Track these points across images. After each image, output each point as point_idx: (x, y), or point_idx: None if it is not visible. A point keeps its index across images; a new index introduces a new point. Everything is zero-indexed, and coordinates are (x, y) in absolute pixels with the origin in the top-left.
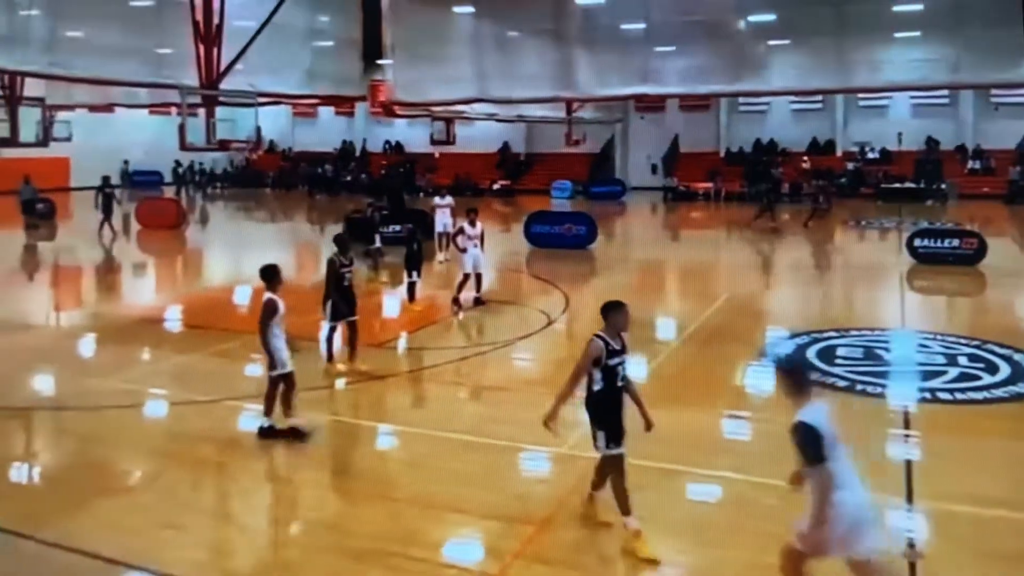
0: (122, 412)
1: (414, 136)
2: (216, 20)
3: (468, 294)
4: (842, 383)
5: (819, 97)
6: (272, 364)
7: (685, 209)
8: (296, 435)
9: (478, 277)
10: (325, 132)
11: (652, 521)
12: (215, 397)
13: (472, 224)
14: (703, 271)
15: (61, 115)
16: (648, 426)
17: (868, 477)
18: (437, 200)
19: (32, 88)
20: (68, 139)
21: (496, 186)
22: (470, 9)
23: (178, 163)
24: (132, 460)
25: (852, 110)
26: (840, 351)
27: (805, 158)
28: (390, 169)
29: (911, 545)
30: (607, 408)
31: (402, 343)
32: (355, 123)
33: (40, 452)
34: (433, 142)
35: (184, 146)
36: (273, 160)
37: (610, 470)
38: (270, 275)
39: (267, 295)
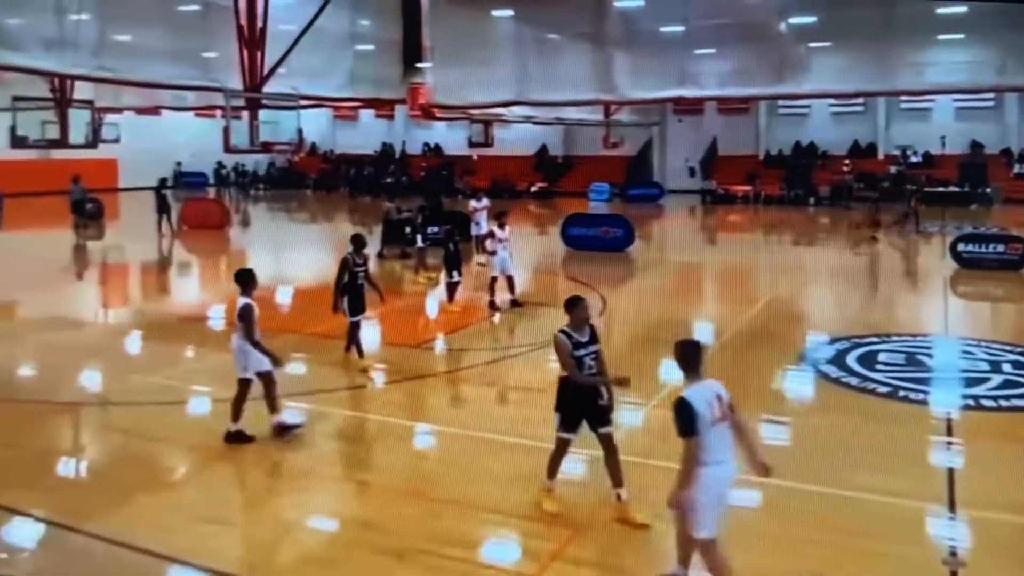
0: (165, 408)
1: (453, 138)
2: (260, 24)
3: (504, 296)
4: (883, 389)
5: (860, 99)
6: (275, 360)
7: (724, 212)
8: (283, 431)
9: (509, 279)
10: (365, 134)
11: None
12: (254, 395)
13: (501, 227)
14: (742, 274)
15: (109, 117)
16: (610, 404)
17: (910, 484)
18: (474, 203)
19: (82, 91)
20: (116, 141)
21: (533, 188)
22: (509, 12)
23: (220, 164)
24: (174, 456)
25: (894, 113)
26: (882, 356)
27: (846, 161)
28: (430, 171)
29: (953, 553)
30: (569, 395)
31: (440, 344)
32: (395, 125)
33: (87, 447)
34: (471, 144)
35: (228, 148)
36: (314, 162)
37: (559, 451)
38: (245, 279)
39: (244, 300)
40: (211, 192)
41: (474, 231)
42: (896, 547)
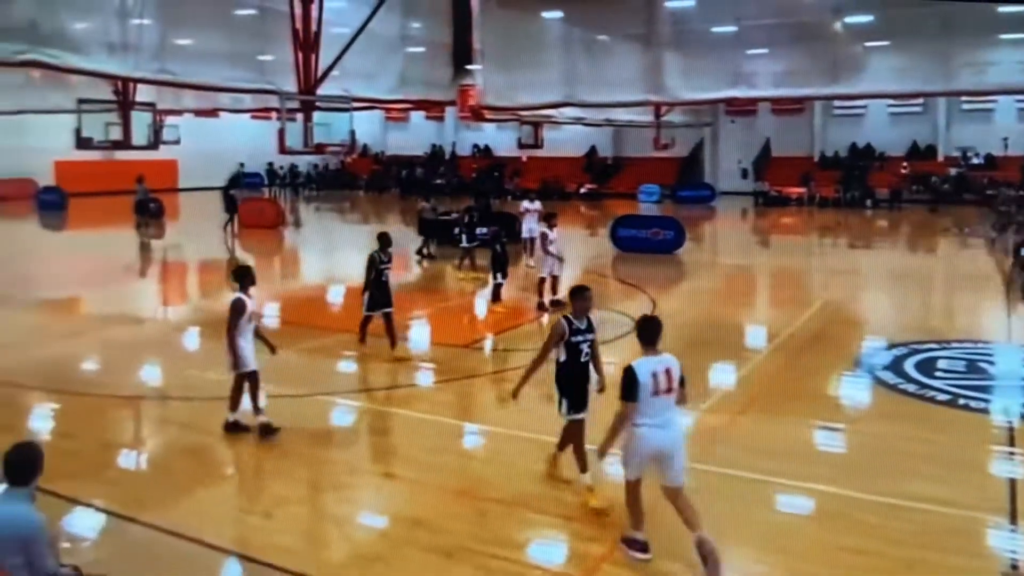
0: (220, 404)
1: (502, 140)
2: (314, 28)
3: (548, 296)
4: (942, 396)
5: (919, 100)
6: (235, 363)
7: (777, 214)
8: (267, 432)
9: (555, 279)
10: (416, 136)
11: (737, 531)
12: (307, 392)
13: (551, 228)
14: (796, 277)
15: (170, 119)
16: (601, 387)
17: (969, 494)
18: (526, 204)
19: (144, 94)
20: (176, 142)
21: (583, 190)
22: (559, 14)
23: (271, 164)
24: (228, 450)
25: (955, 113)
26: (941, 363)
27: (904, 163)
28: (481, 172)
29: (1014, 566)
30: (569, 379)
31: (488, 344)
32: (445, 127)
33: (145, 439)
34: (521, 146)
35: (283, 149)
36: (366, 163)
37: (571, 434)
38: (242, 276)
39: (236, 295)
40: (265, 192)
41: (524, 233)
42: (953, 558)
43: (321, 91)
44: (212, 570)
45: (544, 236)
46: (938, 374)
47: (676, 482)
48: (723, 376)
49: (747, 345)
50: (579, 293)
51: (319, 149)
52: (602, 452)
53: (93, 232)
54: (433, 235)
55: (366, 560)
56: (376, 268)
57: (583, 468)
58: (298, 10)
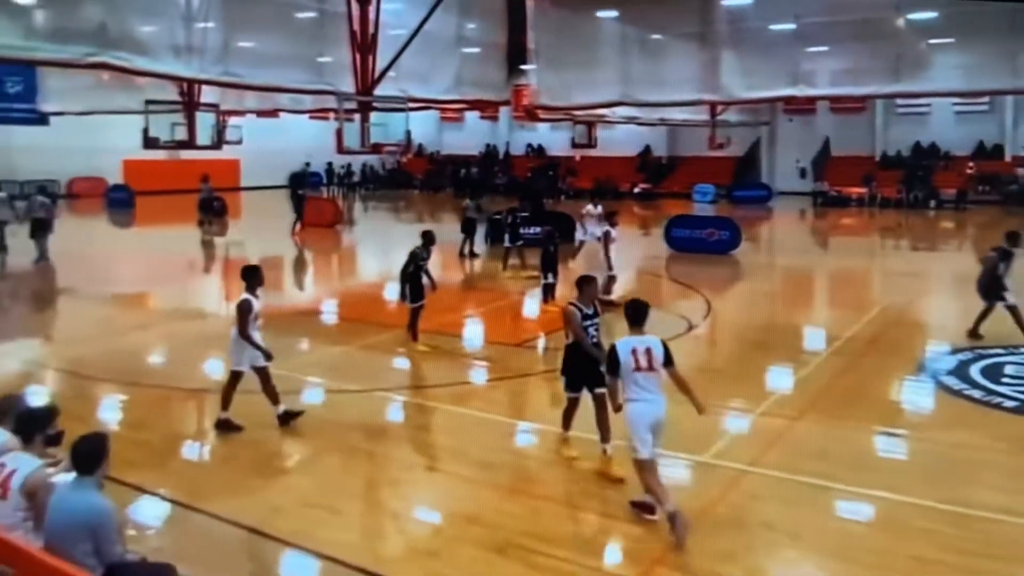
0: (281, 397)
1: (555, 139)
2: (372, 30)
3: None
4: (1010, 403)
5: (986, 98)
6: (267, 355)
7: (836, 215)
8: (288, 419)
9: (610, 280)
10: (470, 135)
11: (796, 536)
12: (365, 387)
13: (613, 227)
14: (857, 280)
15: (233, 120)
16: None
17: None
18: (589, 208)
19: (208, 95)
20: (239, 142)
21: (636, 189)
22: (614, 13)
23: (330, 164)
24: (286, 443)
25: (1023, 112)
26: (1008, 369)
27: (970, 163)
28: (536, 172)
29: None
30: (573, 360)
31: (541, 343)
32: (499, 127)
33: (208, 431)
34: (574, 145)
35: (341, 149)
36: (421, 163)
37: (569, 408)
38: (249, 276)
39: (245, 295)
40: (324, 192)
41: (579, 235)
42: (1018, 569)
43: (378, 92)
44: (271, 561)
45: (607, 235)
46: (1005, 380)
47: (653, 453)
48: (780, 379)
49: (805, 348)
50: (587, 282)
51: (376, 149)
52: (616, 407)
53: (159, 229)
54: (475, 234)
55: (421, 555)
56: (417, 264)
57: (605, 438)
58: (356, 12)
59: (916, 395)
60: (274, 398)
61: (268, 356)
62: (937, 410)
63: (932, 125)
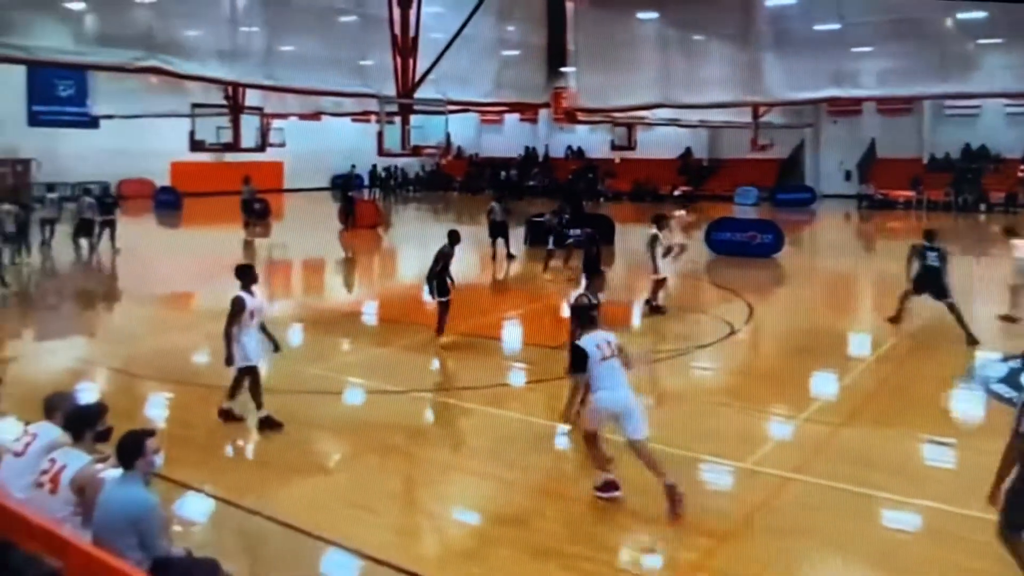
0: (321, 398)
1: (595, 141)
2: (412, 33)
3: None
4: None
5: None
6: (230, 358)
7: (882, 218)
8: (268, 426)
9: (658, 283)
10: (510, 138)
11: (843, 545)
12: (404, 388)
13: (661, 231)
14: (903, 284)
15: (276, 123)
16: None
17: None
18: (681, 214)
19: (252, 98)
20: (282, 145)
21: (677, 192)
22: (654, 14)
23: (374, 167)
24: (328, 442)
25: None
26: None
27: (1022, 166)
28: (576, 174)
29: None
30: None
31: None
32: (538, 129)
33: (251, 429)
34: (614, 147)
35: (382, 152)
36: (461, 165)
37: (573, 389)
38: (243, 274)
39: (237, 293)
40: (366, 194)
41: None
42: None
43: (418, 95)
44: (313, 559)
45: (655, 238)
46: None
47: (636, 435)
48: (825, 385)
49: (850, 354)
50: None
51: (416, 151)
52: (566, 419)
53: (204, 230)
54: (507, 236)
55: (458, 556)
56: (444, 262)
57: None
58: (397, 16)
59: (965, 403)
60: (258, 401)
61: (229, 361)
62: (987, 419)
63: (982, 127)
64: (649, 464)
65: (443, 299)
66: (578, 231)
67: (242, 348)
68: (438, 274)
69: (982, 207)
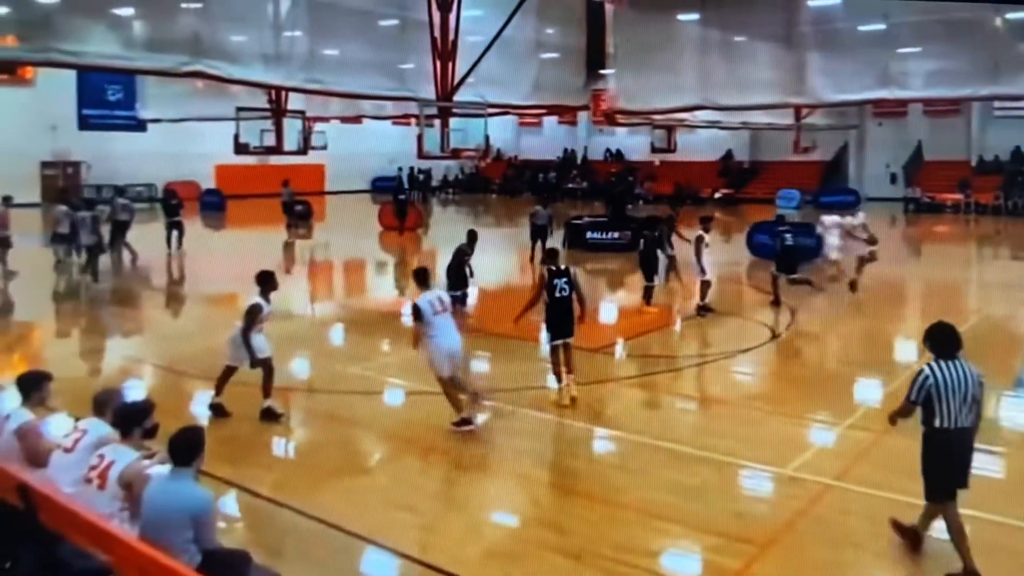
0: (361, 398)
1: (634, 144)
2: (452, 37)
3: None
4: None
5: None
6: (254, 361)
7: (929, 222)
8: (270, 416)
9: (705, 284)
10: (549, 140)
11: (884, 556)
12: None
13: (707, 232)
14: (950, 289)
15: (318, 126)
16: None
17: None
18: (847, 219)
19: (294, 101)
20: (324, 148)
21: (717, 195)
22: (695, 16)
23: (411, 170)
24: (369, 442)
25: None
26: None
27: None
28: (616, 177)
29: None
30: (549, 314)
31: (618, 348)
32: (577, 132)
33: (294, 429)
34: (654, 150)
35: (421, 154)
36: (499, 167)
37: (553, 355)
38: (263, 281)
39: (256, 299)
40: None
41: (826, 250)
42: None
43: (457, 98)
44: (353, 557)
45: (700, 239)
46: None
47: (455, 371)
48: (868, 392)
49: (895, 359)
50: (554, 253)
51: (455, 154)
52: (415, 345)
53: (248, 232)
54: (546, 239)
55: (498, 558)
56: (460, 260)
57: (570, 371)
58: (436, 19)
59: (1014, 411)
60: (268, 392)
61: (253, 363)
62: None
63: None
64: (469, 389)
65: (455, 293)
66: (617, 234)
67: (236, 349)
68: (455, 273)
69: None
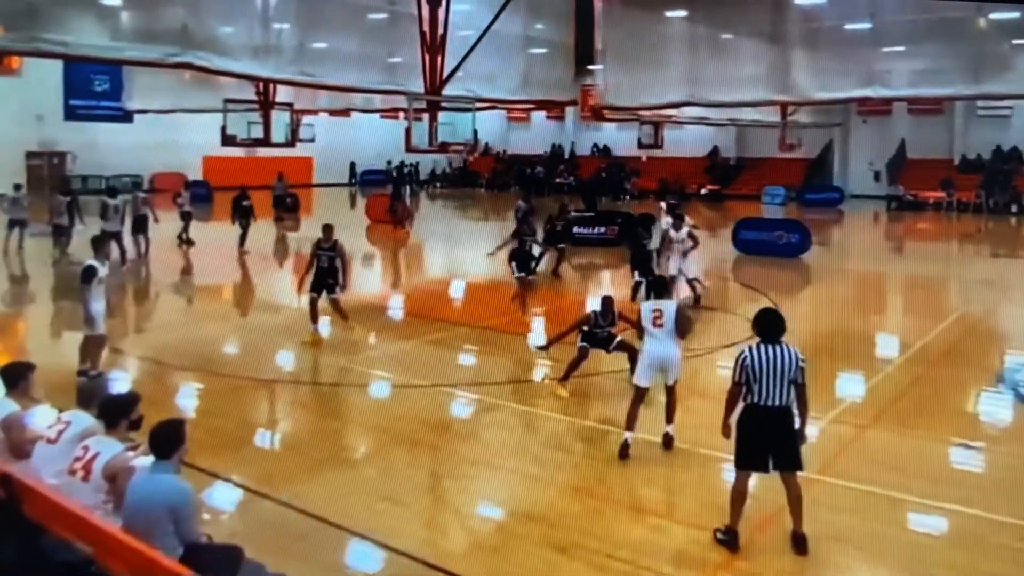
0: (346, 390)
1: (622, 139)
2: (441, 31)
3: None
4: None
5: None
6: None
7: (912, 219)
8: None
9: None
10: (537, 135)
11: (866, 547)
12: (430, 382)
13: (676, 229)
14: (932, 286)
15: (306, 118)
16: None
17: None
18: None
19: (283, 94)
20: (312, 140)
21: (704, 191)
22: (683, 12)
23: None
24: (356, 435)
25: None
26: None
27: None
28: (608, 172)
29: None
30: (518, 256)
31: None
32: (565, 127)
33: (279, 421)
34: (640, 146)
35: (409, 148)
36: (488, 162)
37: (522, 292)
38: (96, 244)
39: (88, 262)
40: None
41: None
42: None
43: (446, 92)
44: (337, 549)
45: (665, 235)
46: None
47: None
48: (850, 386)
49: (876, 355)
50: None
51: (443, 148)
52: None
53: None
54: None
55: (484, 551)
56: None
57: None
58: (426, 14)
59: (993, 406)
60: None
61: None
62: (1016, 422)
63: (1014, 128)
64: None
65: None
66: (602, 229)
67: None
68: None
69: (1013, 209)
